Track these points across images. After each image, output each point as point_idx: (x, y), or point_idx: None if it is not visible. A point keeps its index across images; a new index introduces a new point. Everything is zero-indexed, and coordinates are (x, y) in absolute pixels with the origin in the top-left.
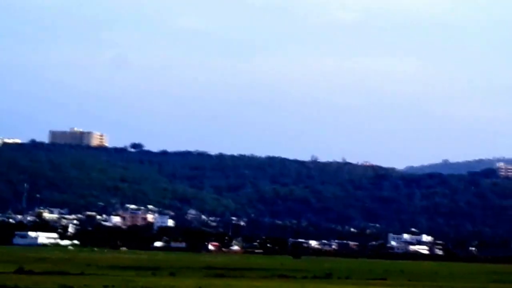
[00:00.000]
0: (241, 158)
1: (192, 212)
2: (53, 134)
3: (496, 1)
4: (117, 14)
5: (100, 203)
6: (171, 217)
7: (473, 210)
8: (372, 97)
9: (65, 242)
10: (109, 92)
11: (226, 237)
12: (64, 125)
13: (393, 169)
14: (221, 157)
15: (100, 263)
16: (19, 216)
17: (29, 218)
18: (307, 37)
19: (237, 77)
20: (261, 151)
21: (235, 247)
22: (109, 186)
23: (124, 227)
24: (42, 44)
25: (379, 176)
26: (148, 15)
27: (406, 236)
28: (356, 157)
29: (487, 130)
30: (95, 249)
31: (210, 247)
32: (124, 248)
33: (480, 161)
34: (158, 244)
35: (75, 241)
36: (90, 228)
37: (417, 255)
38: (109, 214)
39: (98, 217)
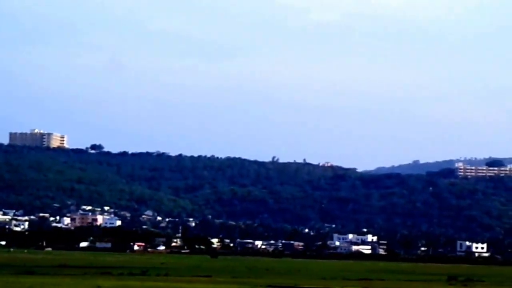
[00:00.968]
0: (201, 159)
1: (149, 213)
2: (12, 135)
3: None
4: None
5: (56, 205)
6: (125, 219)
7: (430, 210)
8: (344, 99)
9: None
10: (71, 93)
11: (175, 239)
12: (25, 126)
13: (353, 170)
14: (180, 158)
15: None
16: None
17: None
18: (272, 40)
19: (200, 79)
20: (222, 152)
21: (161, 247)
22: (66, 187)
23: (72, 228)
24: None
25: (337, 177)
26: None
27: (350, 236)
28: (318, 158)
29: (460, 131)
30: (11, 249)
31: (136, 247)
32: (49, 249)
33: (449, 162)
34: (83, 244)
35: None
36: (29, 229)
37: (358, 254)
38: (63, 216)
39: (52, 218)
